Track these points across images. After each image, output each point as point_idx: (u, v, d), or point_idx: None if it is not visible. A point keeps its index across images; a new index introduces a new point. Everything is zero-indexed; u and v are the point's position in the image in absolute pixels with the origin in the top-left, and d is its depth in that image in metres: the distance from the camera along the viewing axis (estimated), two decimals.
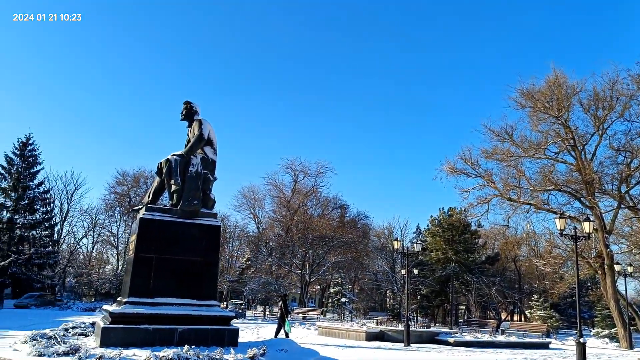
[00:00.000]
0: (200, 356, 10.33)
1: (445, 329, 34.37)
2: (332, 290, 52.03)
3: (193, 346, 10.82)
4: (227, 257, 59.80)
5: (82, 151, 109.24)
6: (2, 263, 41.09)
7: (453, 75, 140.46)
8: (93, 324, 14.57)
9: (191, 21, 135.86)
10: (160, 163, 13.29)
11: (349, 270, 55.47)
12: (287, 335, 19.74)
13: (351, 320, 38.25)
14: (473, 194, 34.75)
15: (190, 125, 13.85)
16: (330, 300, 51.79)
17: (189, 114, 13.85)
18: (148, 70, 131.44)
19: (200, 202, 13.11)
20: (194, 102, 13.96)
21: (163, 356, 9.95)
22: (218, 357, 10.48)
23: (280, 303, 22.79)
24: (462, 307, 58.89)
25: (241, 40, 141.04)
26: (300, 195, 60.83)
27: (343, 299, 47.04)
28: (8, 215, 43.98)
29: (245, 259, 60.25)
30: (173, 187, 12.89)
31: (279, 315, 21.06)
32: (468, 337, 25.91)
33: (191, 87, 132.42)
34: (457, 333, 28.44)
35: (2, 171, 44.85)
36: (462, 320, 51.27)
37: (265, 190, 62.27)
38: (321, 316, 45.68)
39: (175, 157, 13.08)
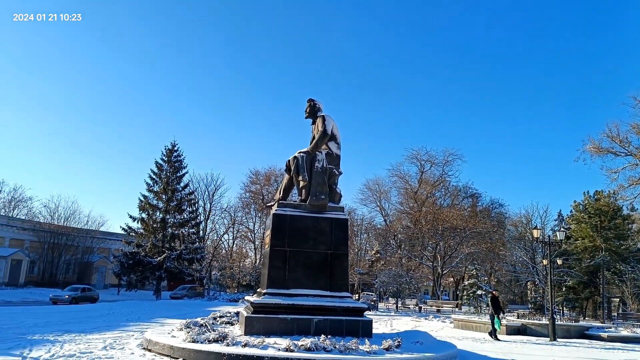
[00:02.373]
0: (337, 346, 10.59)
1: (597, 323, 31.41)
2: (466, 283, 50.23)
3: (329, 336, 11.12)
4: (356, 250, 60.62)
5: (218, 153, 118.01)
6: (158, 258, 45.95)
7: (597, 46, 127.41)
8: (237, 314, 15.68)
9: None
10: (289, 161, 13.85)
11: (484, 261, 53.07)
12: (494, 332, 19.46)
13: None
14: (623, 175, 31.37)
15: (314, 122, 14.25)
16: (465, 293, 50.02)
17: (312, 111, 14.25)
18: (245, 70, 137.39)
19: (327, 196, 13.43)
20: (316, 99, 14.33)
21: (302, 345, 10.37)
22: (353, 347, 10.66)
23: (488, 300, 22.66)
24: (615, 299, 53.40)
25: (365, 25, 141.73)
26: (428, 186, 59.58)
27: (479, 292, 45.19)
28: (161, 215, 49.01)
29: (374, 252, 60.62)
30: (301, 183, 13.37)
31: (490, 313, 20.91)
32: (624, 332, 23.37)
33: (316, 82, 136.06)
34: (610, 327, 25.83)
35: (154, 176, 50.05)
36: (615, 313, 46.46)
37: (391, 182, 62.03)
38: (456, 309, 44.36)
39: (301, 154, 13.55)
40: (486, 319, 23.30)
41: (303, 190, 13.45)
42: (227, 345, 10.57)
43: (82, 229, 61.29)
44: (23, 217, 61.45)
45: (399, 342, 11.47)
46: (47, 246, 56.08)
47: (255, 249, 61.06)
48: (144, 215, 49.02)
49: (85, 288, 39.56)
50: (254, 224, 61.69)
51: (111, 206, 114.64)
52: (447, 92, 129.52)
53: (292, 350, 10.10)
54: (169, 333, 12.90)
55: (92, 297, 38.63)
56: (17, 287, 48.65)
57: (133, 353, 11.39)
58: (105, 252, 63.44)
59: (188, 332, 11.81)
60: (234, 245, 66.41)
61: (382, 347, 10.90)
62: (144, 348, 12.05)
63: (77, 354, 11.01)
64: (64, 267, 58.30)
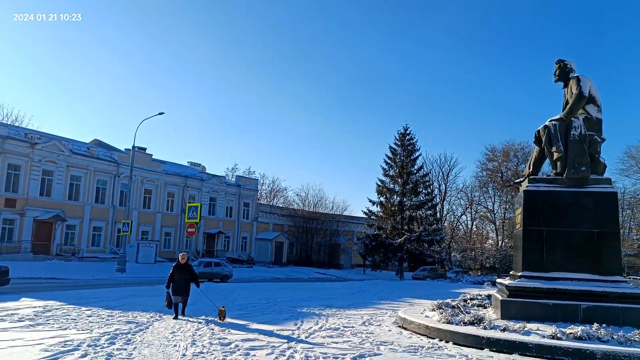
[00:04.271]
0: (614, 336, 9.24)
1: None
2: None
3: (604, 325, 9.79)
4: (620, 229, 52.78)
5: (451, 133, 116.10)
6: (399, 240, 47.58)
7: None
8: (488, 297, 15.04)
9: None
10: (538, 131, 12.58)
11: None
12: None
13: None
14: None
15: (565, 85, 12.63)
16: None
17: (563, 72, 12.63)
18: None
19: (588, 167, 11.79)
20: (567, 60, 12.66)
21: (570, 332, 9.34)
22: (637, 338, 9.15)
23: None
24: None
25: None
26: None
27: None
28: (398, 198, 50.59)
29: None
30: (555, 155, 12.01)
31: None
32: None
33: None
34: None
35: (389, 161, 51.89)
36: None
37: None
38: None
39: (553, 122, 12.15)
40: None
41: (558, 163, 12.06)
42: (484, 328, 10.17)
43: (328, 214, 67.35)
44: (281, 205, 70.58)
45: None
46: (301, 230, 63.23)
47: (496, 229, 58.37)
48: (382, 199, 51.33)
49: (212, 262, 32.74)
50: (493, 204, 59.02)
51: (352, 191, 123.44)
52: None
53: (559, 338, 9.16)
54: (421, 313, 13.08)
55: (219, 275, 31.14)
56: (281, 265, 56.08)
57: (390, 330, 11.85)
58: (349, 235, 68.50)
59: (441, 313, 11.76)
60: (473, 226, 64.64)
61: None
62: (399, 326, 12.44)
63: (341, 328, 11.96)
64: (316, 248, 64.97)
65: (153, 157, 48.66)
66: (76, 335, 9.90)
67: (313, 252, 64.05)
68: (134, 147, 37.19)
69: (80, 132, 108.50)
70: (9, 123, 47.91)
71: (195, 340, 9.71)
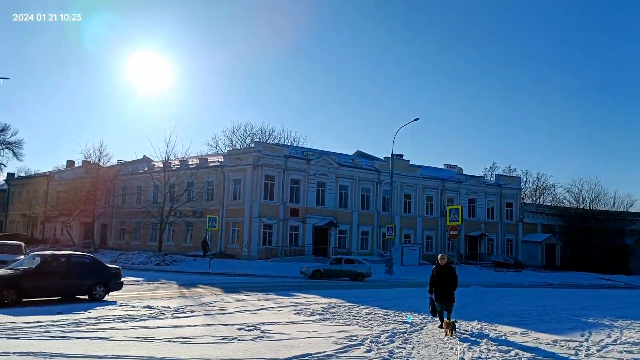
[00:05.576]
0: None
1: None
2: None
3: None
4: None
5: None
6: None
7: None
8: None
9: None
10: None
11: None
12: None
13: None
14: None
15: None
16: None
17: None
18: None
19: None
20: None
21: None
22: None
23: None
24: None
25: None
26: None
27: None
28: None
29: None
30: None
31: None
32: None
33: None
34: None
35: None
36: None
37: None
38: None
39: None
40: None
41: None
42: None
43: (608, 212, 58.80)
44: (549, 204, 64.62)
45: None
46: (575, 230, 56.56)
47: None
48: None
49: (342, 259, 30.72)
50: None
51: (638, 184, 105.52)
52: None
53: None
54: None
55: (351, 273, 28.91)
56: (554, 270, 51.07)
57: None
58: (638, 235, 58.43)
59: None
60: None
61: None
62: None
63: None
64: (595, 251, 57.19)
65: (410, 162, 50.22)
66: (359, 331, 10.75)
67: (592, 255, 56.55)
68: (392, 155, 39.01)
69: (344, 146, 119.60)
70: (289, 144, 55.81)
71: (472, 345, 9.50)
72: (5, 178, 68.96)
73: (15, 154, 61.63)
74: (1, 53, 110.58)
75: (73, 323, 10.49)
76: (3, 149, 60.75)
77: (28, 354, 7.47)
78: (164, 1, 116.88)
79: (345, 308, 14.68)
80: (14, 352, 7.51)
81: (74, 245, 45.44)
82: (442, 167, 58.93)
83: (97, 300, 14.85)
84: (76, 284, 14.91)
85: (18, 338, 8.71)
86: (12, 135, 60.80)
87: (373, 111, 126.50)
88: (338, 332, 10.49)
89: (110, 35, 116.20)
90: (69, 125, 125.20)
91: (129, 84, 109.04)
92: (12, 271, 14.10)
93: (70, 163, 61.66)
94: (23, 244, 24.32)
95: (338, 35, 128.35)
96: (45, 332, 9.37)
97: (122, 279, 16.55)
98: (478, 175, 59.64)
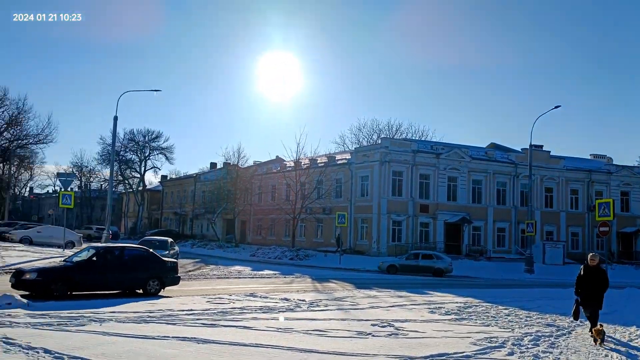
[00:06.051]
0: None
1: None
2: None
3: None
4: None
5: None
6: None
7: None
8: None
9: None
10: None
11: None
12: None
13: None
14: None
15: None
16: None
17: None
18: None
19: None
20: None
21: None
22: None
23: None
24: None
25: None
26: None
27: None
28: None
29: None
30: None
31: None
32: None
33: None
34: None
35: None
36: None
37: None
38: None
39: None
40: None
41: None
42: None
43: None
44: None
45: None
46: None
47: None
48: None
49: (419, 254, 29.83)
50: None
51: None
52: None
53: None
54: None
55: (429, 269, 28.05)
56: None
57: None
58: None
59: None
60: None
61: None
62: None
63: None
64: None
65: (551, 153, 46.52)
66: (499, 332, 10.18)
67: None
68: (531, 146, 36.45)
69: (476, 139, 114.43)
70: (416, 138, 54.83)
71: (628, 356, 8.49)
72: (159, 180, 77.22)
73: (167, 158, 69.04)
74: (156, 69, 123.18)
75: (220, 312, 11.32)
76: (157, 154, 68.24)
77: (184, 338, 8.20)
78: (292, 10, 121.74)
79: (483, 308, 14.01)
80: (172, 337, 8.30)
81: (218, 240, 49.42)
82: (589, 157, 53.74)
83: (151, 295, 14.01)
84: (129, 277, 14.29)
85: (175, 324, 9.63)
86: (164, 142, 68.00)
87: (507, 101, 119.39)
88: (476, 332, 10.04)
89: (242, 41, 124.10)
90: (212, 130, 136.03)
91: (262, 89, 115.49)
92: (63, 263, 14.12)
93: (213, 165, 67.10)
94: (169, 240, 26.08)
95: (471, 25, 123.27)
96: (197, 319, 10.24)
97: (179, 274, 16.00)
98: (631, 165, 53.33)
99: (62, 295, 12.57)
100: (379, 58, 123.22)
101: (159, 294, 14.44)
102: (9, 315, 9.62)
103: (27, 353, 6.76)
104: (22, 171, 66.19)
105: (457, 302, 15.09)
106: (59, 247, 28.73)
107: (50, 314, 9.96)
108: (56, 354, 6.72)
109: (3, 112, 54.01)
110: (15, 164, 57.45)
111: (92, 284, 13.59)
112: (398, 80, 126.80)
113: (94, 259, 13.89)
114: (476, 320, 11.83)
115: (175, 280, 15.38)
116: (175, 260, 17.08)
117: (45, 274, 12.93)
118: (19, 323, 8.89)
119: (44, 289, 12.57)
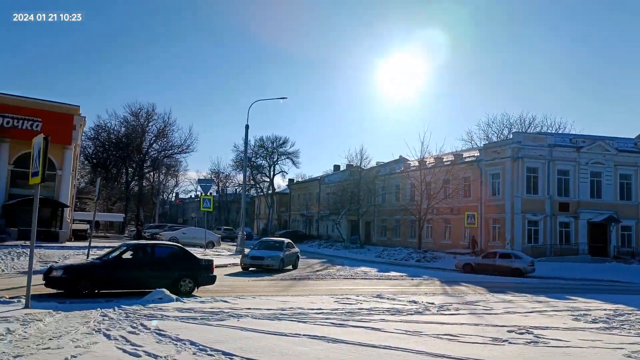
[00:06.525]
0: None
1: None
2: None
3: None
4: None
5: None
6: None
7: None
8: None
9: None
10: None
11: None
12: None
13: None
14: None
15: None
16: None
17: None
18: None
19: None
20: None
21: None
22: None
23: None
24: None
25: None
26: None
27: None
28: None
29: None
30: None
31: None
32: None
33: None
34: None
35: None
36: None
37: None
38: None
39: None
40: None
41: None
42: None
43: None
44: None
45: None
46: None
47: None
48: None
49: (497, 253, 28.76)
50: None
51: None
52: None
53: None
54: None
55: (505, 269, 26.83)
56: None
57: None
58: None
59: None
60: None
61: None
62: None
63: None
64: None
65: None
66: None
67: None
68: None
69: (622, 130, 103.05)
70: (553, 132, 50.75)
71: None
72: (287, 183, 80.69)
73: (293, 162, 71.83)
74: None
75: (348, 312, 11.44)
76: (284, 158, 71.28)
77: (315, 337, 8.41)
78: (414, 11, 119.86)
79: (637, 316, 12.50)
80: (303, 335, 8.56)
81: (343, 240, 50.20)
82: None
83: (183, 294, 13.27)
84: (160, 275, 13.58)
85: (306, 322, 9.92)
86: (290, 147, 70.87)
87: None
88: (630, 343, 8.96)
89: (362, 44, 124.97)
90: (334, 133, 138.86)
91: (382, 90, 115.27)
92: (90, 261, 14.11)
93: (336, 167, 68.44)
94: (287, 241, 25.54)
95: (611, 13, 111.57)
96: (326, 318, 10.45)
97: (214, 272, 14.97)
98: None
99: (90, 293, 12.58)
100: (517, 53, 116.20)
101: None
102: (160, 309, 10.70)
103: (176, 344, 7.44)
104: (169, 178, 73.50)
105: (605, 309, 13.65)
106: (200, 247, 31.25)
107: (195, 308, 10.91)
108: (200, 346, 7.31)
109: (152, 125, 60.50)
110: (163, 172, 64.00)
111: (119, 282, 13.26)
112: (532, 73, 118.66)
113: (123, 256, 13.57)
114: (630, 330, 10.58)
115: (211, 280, 14.62)
116: (211, 258, 16.05)
117: (71, 272, 12.89)
118: (168, 316, 9.84)
119: (71, 286, 12.60)
